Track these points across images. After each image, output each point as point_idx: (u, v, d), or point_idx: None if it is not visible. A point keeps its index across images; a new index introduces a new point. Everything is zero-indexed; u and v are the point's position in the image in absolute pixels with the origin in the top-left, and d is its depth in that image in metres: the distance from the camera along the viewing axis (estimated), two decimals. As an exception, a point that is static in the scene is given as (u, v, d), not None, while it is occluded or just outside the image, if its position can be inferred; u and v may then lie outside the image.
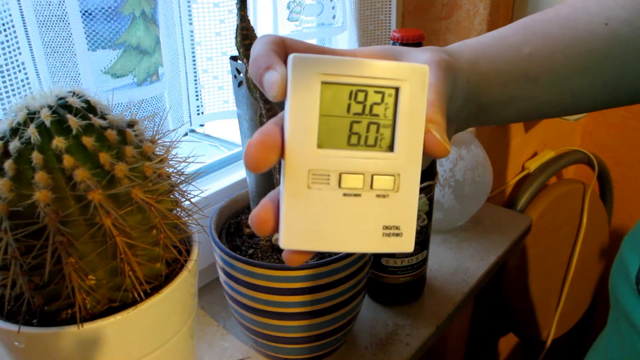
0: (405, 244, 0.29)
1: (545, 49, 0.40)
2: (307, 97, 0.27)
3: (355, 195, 0.28)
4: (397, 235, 0.28)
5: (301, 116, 0.27)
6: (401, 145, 0.28)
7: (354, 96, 0.27)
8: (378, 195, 0.28)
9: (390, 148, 0.28)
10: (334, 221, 0.28)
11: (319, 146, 0.27)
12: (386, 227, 0.28)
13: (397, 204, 0.28)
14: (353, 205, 0.28)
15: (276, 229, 0.28)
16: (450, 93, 0.34)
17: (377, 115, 0.28)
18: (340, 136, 0.27)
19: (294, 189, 0.27)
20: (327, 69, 0.27)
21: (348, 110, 0.27)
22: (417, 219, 0.64)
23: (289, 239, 0.28)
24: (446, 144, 0.29)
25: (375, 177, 0.28)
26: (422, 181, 0.63)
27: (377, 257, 0.67)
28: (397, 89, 0.27)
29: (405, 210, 0.28)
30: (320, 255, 0.56)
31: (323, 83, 0.27)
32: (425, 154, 0.29)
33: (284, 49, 0.31)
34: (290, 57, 0.26)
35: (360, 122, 0.27)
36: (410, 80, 0.27)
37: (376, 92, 0.27)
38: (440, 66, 0.33)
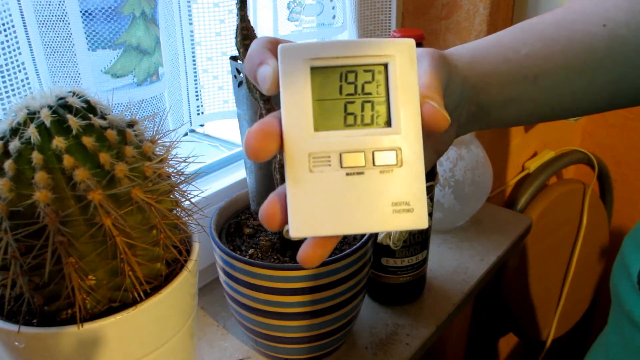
0: (418, 219, 0.28)
1: (543, 50, 0.40)
2: (299, 84, 0.27)
3: (358, 173, 0.27)
4: (407, 211, 0.28)
5: (295, 103, 0.27)
6: (398, 119, 0.28)
7: (345, 77, 0.28)
8: (382, 172, 0.28)
9: (388, 124, 0.28)
10: (341, 203, 0.28)
11: (316, 129, 0.27)
12: (395, 204, 0.28)
13: (403, 179, 0.28)
14: (358, 184, 0.27)
15: (285, 222, 0.28)
16: (446, 85, 0.34)
17: (369, 93, 0.28)
18: (336, 118, 0.28)
19: (297, 174, 0.27)
20: (314, 54, 0.27)
21: (340, 91, 0.28)
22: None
23: (297, 227, 0.27)
24: (445, 113, 0.28)
25: (376, 153, 0.28)
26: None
27: (377, 257, 0.67)
28: (385, 65, 0.28)
29: (412, 185, 0.28)
30: (320, 255, 0.56)
31: (312, 68, 0.27)
32: (426, 128, 0.28)
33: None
34: (279, 48, 0.27)
35: (354, 102, 0.28)
36: (398, 55, 0.28)
37: (365, 70, 0.28)
38: (433, 56, 0.33)
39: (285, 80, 0.27)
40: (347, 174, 0.28)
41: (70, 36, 0.48)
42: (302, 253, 0.29)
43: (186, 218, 0.45)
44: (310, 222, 0.27)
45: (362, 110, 0.28)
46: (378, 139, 0.28)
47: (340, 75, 0.27)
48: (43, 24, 0.47)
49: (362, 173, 0.28)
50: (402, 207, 0.28)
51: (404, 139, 0.28)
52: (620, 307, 0.49)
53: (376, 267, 0.67)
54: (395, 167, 0.28)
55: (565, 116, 0.45)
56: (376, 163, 0.28)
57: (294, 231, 0.27)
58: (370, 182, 0.28)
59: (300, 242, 0.59)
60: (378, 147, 0.28)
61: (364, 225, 0.28)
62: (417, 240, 0.66)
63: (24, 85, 0.46)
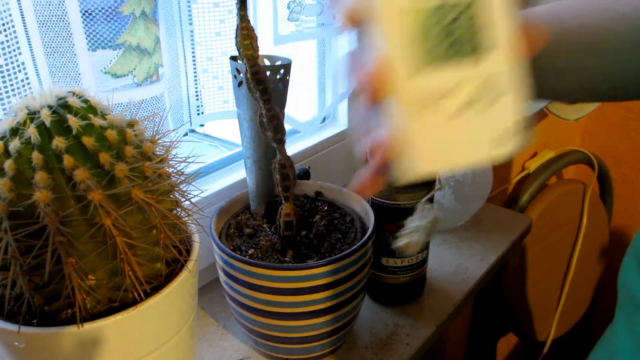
0: (521, 140, 0.30)
1: (597, 21, 0.40)
2: (395, 27, 0.27)
3: (462, 108, 0.29)
4: (512, 137, 0.29)
5: (393, 47, 0.27)
6: (494, 51, 0.28)
7: (437, 16, 0.28)
8: (485, 103, 0.29)
9: (484, 56, 0.28)
10: (449, 137, 0.28)
11: (416, 71, 0.28)
12: (500, 132, 0.29)
13: (505, 107, 0.29)
14: (464, 118, 0.28)
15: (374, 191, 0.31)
16: None
17: (462, 28, 0.28)
18: (434, 56, 0.28)
19: (403, 116, 0.28)
20: None
21: (435, 30, 0.28)
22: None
23: (413, 165, 0.28)
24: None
25: (480, 85, 0.29)
26: (422, 184, 0.63)
27: (377, 257, 0.67)
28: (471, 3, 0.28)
29: (516, 112, 0.29)
30: (320, 255, 0.56)
31: (403, 10, 0.27)
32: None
33: None
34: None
35: (449, 38, 0.28)
36: None
37: (454, 5, 0.28)
38: None
39: (380, 23, 0.28)
40: (452, 110, 0.28)
41: (70, 36, 0.48)
42: (358, 182, 0.32)
43: (186, 218, 0.45)
44: (423, 158, 0.28)
45: (458, 45, 0.28)
46: (477, 72, 0.28)
47: (432, 13, 0.28)
48: (43, 24, 0.47)
49: (466, 108, 0.29)
50: (507, 135, 0.29)
51: (503, 69, 0.29)
52: (633, 303, 0.48)
53: (376, 267, 0.67)
54: (497, 96, 0.29)
55: (614, 96, 0.44)
56: (477, 96, 0.28)
57: (403, 175, 0.29)
58: (476, 115, 0.29)
59: (299, 242, 0.60)
60: (482, 79, 0.28)
61: (472, 156, 0.29)
62: (417, 240, 0.66)
63: (23, 85, 0.46)
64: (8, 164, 0.37)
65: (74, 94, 0.40)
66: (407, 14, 0.27)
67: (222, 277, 0.57)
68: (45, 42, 0.47)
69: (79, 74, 0.50)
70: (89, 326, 0.38)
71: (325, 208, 0.64)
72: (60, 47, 0.48)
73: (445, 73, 0.28)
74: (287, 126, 0.57)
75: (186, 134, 0.71)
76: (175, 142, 0.45)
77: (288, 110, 0.60)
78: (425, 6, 0.27)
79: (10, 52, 0.44)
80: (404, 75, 0.28)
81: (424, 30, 0.28)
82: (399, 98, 0.28)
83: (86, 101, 0.40)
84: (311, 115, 0.88)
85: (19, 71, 0.45)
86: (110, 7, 0.50)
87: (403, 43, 0.27)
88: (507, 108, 0.29)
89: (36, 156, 0.36)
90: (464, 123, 0.28)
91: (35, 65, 0.47)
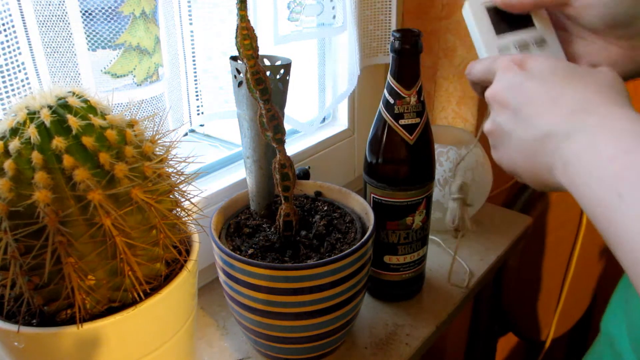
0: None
1: None
2: (482, 15, 0.50)
3: (527, 50, 0.49)
4: None
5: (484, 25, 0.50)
6: (537, 23, 0.50)
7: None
8: (539, 47, 0.49)
9: (533, 25, 0.50)
10: None
11: (497, 34, 0.50)
12: None
13: (550, 52, 0.49)
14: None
15: None
16: None
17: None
18: (505, 27, 0.49)
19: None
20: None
21: (504, 14, 0.50)
22: (419, 215, 0.65)
23: None
24: None
25: (534, 40, 0.49)
26: (421, 182, 0.63)
27: (380, 255, 0.67)
28: None
29: (557, 52, 0.50)
30: (319, 255, 0.56)
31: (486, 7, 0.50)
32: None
33: None
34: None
35: (512, 17, 0.49)
36: None
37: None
38: None
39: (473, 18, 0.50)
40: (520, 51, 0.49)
41: (70, 36, 0.48)
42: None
43: (186, 218, 0.45)
44: None
45: (518, 21, 0.50)
46: (533, 35, 0.49)
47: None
48: (43, 24, 0.47)
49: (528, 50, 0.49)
50: None
51: (545, 32, 0.49)
52: (612, 347, 0.49)
53: (378, 265, 0.67)
54: (545, 47, 0.49)
55: None
56: (536, 46, 0.49)
57: None
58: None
59: (298, 242, 0.60)
60: (534, 40, 0.49)
61: None
62: (417, 237, 0.66)
63: (23, 85, 0.46)
64: (8, 164, 0.37)
65: (73, 94, 0.40)
66: (487, 8, 0.50)
67: (222, 277, 0.57)
68: (45, 42, 0.47)
69: (79, 74, 0.50)
70: (88, 326, 0.38)
71: (325, 208, 0.64)
72: (60, 47, 0.48)
73: (512, 36, 0.50)
74: (287, 126, 0.57)
75: (186, 134, 0.71)
76: (175, 142, 0.45)
77: (288, 110, 0.60)
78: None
79: (10, 52, 0.44)
80: (489, 39, 0.49)
81: (497, 16, 0.50)
82: (488, 50, 0.49)
83: (86, 101, 0.40)
84: (311, 115, 0.88)
85: (19, 71, 0.45)
86: (110, 7, 0.50)
87: (487, 23, 0.50)
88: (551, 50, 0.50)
89: (36, 156, 0.36)
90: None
91: (35, 65, 0.47)
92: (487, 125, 0.45)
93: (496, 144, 0.45)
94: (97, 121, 0.39)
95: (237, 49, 0.51)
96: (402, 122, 0.60)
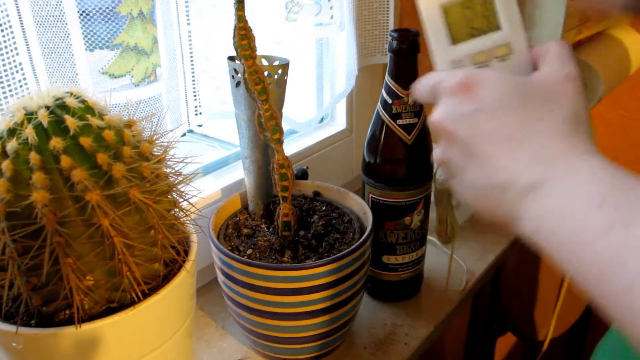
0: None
1: None
2: (436, 19, 0.41)
3: (485, 65, 0.41)
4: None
5: (437, 30, 0.41)
6: (504, 23, 0.40)
7: (464, 5, 0.40)
8: (502, 59, 0.41)
9: (499, 27, 0.40)
10: None
11: (453, 43, 0.41)
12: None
13: (514, 62, 0.40)
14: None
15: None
16: None
17: (483, 12, 0.40)
18: (465, 32, 0.40)
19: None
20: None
21: (463, 16, 0.40)
22: (417, 215, 0.65)
23: None
24: None
25: (495, 49, 0.40)
26: (419, 181, 0.63)
27: (378, 255, 0.67)
28: None
29: (523, 63, 0.41)
30: (318, 255, 0.56)
31: (441, 6, 0.40)
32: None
33: None
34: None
35: (473, 20, 0.40)
36: None
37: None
38: None
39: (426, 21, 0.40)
40: (479, 67, 0.41)
41: (67, 36, 0.48)
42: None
43: (184, 218, 0.45)
44: None
45: (481, 23, 0.40)
46: (495, 40, 0.40)
47: (461, 5, 0.40)
48: (40, 24, 0.47)
49: (487, 65, 0.41)
50: None
51: (511, 35, 0.40)
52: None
53: (377, 265, 0.67)
54: (509, 55, 0.40)
55: None
56: (496, 56, 0.40)
57: None
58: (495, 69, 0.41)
59: (297, 242, 0.60)
60: (496, 45, 0.40)
61: None
62: (416, 237, 0.66)
63: (21, 86, 0.46)
64: (5, 165, 0.37)
65: (71, 94, 0.40)
66: (443, 9, 0.40)
67: (221, 277, 0.57)
68: (43, 42, 0.47)
69: (77, 74, 0.50)
70: (87, 327, 0.38)
71: (324, 208, 0.64)
72: (57, 48, 0.48)
73: (470, 44, 0.40)
74: (285, 126, 0.57)
75: (184, 134, 0.71)
76: (173, 143, 0.45)
77: (286, 110, 0.60)
78: (455, 2, 0.40)
79: (7, 53, 0.44)
80: (443, 48, 0.41)
81: (454, 18, 0.40)
82: (439, 64, 0.41)
83: (84, 101, 0.40)
84: (309, 115, 0.88)
85: (17, 71, 0.45)
86: (107, 8, 0.50)
87: (442, 28, 0.40)
88: (512, 63, 0.40)
89: (34, 157, 0.36)
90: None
91: (32, 65, 0.47)
92: (437, 155, 0.40)
93: (451, 175, 0.40)
94: (94, 121, 0.39)
95: (235, 49, 0.51)
96: (400, 122, 0.60)
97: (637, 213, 0.29)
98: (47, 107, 0.38)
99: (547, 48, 0.38)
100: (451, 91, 0.37)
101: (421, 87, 0.40)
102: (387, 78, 0.60)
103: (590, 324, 1.67)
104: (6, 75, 0.45)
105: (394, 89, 0.59)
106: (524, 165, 0.34)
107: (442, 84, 0.38)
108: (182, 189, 0.44)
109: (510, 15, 0.40)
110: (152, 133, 0.44)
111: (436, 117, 0.38)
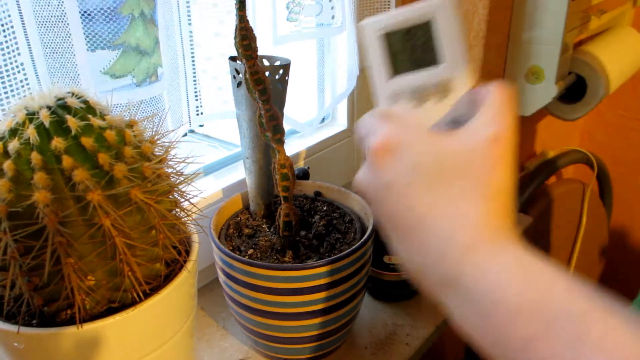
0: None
1: None
2: (375, 48, 0.38)
3: (426, 100, 0.38)
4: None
5: (377, 64, 0.38)
6: (445, 57, 0.37)
7: (405, 36, 0.37)
8: (442, 96, 0.38)
9: (439, 61, 0.37)
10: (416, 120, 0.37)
11: (394, 75, 0.38)
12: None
13: (453, 101, 0.37)
14: (427, 106, 0.38)
15: None
16: None
17: (424, 43, 0.37)
18: (406, 64, 0.37)
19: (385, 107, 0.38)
20: (382, 26, 0.37)
21: (404, 47, 0.37)
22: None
23: None
24: None
25: (435, 85, 0.37)
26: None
27: (379, 255, 0.67)
28: (430, 21, 0.36)
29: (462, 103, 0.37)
30: (319, 255, 0.56)
31: (382, 35, 0.37)
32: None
33: None
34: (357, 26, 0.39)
35: (415, 51, 0.37)
36: (439, 12, 0.36)
37: (416, 27, 0.37)
38: None
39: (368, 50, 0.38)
40: (418, 101, 0.38)
41: (69, 37, 0.48)
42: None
43: (185, 218, 0.45)
44: None
45: (421, 55, 0.37)
46: (435, 75, 0.37)
47: (401, 34, 0.37)
48: (42, 24, 0.47)
49: (428, 99, 0.38)
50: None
51: (453, 72, 0.37)
52: None
53: (378, 265, 0.67)
54: (450, 92, 0.37)
55: None
56: (436, 91, 0.37)
57: None
58: (434, 104, 0.38)
59: (298, 242, 0.59)
60: (436, 81, 0.37)
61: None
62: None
63: (23, 86, 0.46)
64: (7, 165, 0.37)
65: (73, 94, 0.40)
66: (383, 37, 0.37)
67: (222, 277, 0.57)
68: (44, 42, 0.47)
69: (78, 74, 0.50)
70: (88, 327, 0.38)
71: (325, 208, 0.64)
72: (59, 48, 0.48)
73: (410, 77, 0.37)
74: (286, 126, 0.57)
75: (185, 135, 0.71)
76: (174, 143, 0.45)
77: (287, 110, 0.60)
78: (397, 30, 0.37)
79: (9, 53, 0.44)
80: (382, 79, 0.38)
81: (395, 49, 0.37)
82: (378, 96, 0.38)
83: (85, 102, 0.40)
84: (310, 115, 0.88)
85: (18, 72, 0.45)
86: (109, 8, 0.50)
87: (381, 58, 0.37)
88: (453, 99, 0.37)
89: (35, 157, 0.36)
90: (424, 110, 0.38)
91: (34, 65, 0.47)
92: (358, 180, 0.38)
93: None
94: (96, 122, 0.39)
95: (236, 49, 0.51)
96: (401, 122, 0.60)
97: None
98: (49, 107, 0.38)
99: (487, 92, 0.35)
100: (371, 154, 0.35)
101: (359, 129, 0.37)
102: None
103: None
104: (8, 76, 0.45)
105: (395, 89, 0.59)
106: (432, 260, 0.33)
107: (367, 138, 0.35)
108: (183, 189, 0.44)
109: (453, 49, 0.36)
110: (153, 133, 0.44)
111: (359, 179, 0.37)
